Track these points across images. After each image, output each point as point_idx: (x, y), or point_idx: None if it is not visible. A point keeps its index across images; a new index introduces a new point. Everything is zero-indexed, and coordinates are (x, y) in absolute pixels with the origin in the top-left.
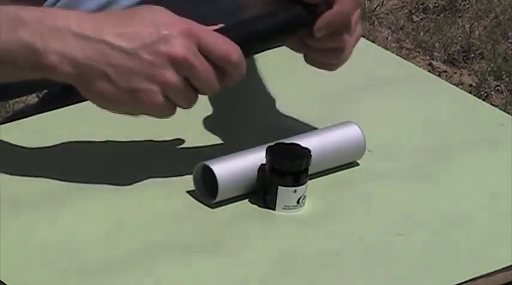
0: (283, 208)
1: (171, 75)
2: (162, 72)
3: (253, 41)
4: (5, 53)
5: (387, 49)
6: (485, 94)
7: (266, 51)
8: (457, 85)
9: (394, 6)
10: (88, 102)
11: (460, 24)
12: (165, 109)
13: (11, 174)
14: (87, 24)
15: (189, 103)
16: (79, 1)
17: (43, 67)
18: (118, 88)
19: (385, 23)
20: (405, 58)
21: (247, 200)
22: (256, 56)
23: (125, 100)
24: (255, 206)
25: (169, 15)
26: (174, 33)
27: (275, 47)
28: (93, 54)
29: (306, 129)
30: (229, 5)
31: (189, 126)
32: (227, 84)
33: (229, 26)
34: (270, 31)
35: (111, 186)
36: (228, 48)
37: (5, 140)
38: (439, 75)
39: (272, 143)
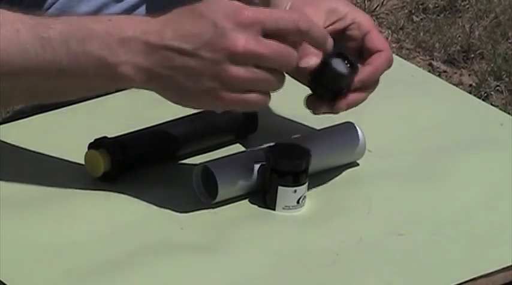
0: (283, 208)
1: (234, 70)
2: (224, 68)
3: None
4: (75, 66)
5: None
6: (485, 94)
7: None
8: (457, 85)
9: (394, 6)
10: (88, 102)
11: (460, 24)
12: (243, 102)
13: (11, 174)
14: (151, 30)
15: (271, 85)
16: (75, 3)
17: (119, 78)
18: (188, 90)
19: (385, 23)
20: (405, 58)
21: (247, 200)
22: None
23: (200, 98)
24: (255, 206)
25: (227, 6)
26: (231, 27)
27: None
28: (159, 61)
29: (306, 129)
30: None
31: None
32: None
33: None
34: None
35: (111, 186)
36: (293, 17)
37: (5, 140)
38: (439, 75)
39: (272, 143)
